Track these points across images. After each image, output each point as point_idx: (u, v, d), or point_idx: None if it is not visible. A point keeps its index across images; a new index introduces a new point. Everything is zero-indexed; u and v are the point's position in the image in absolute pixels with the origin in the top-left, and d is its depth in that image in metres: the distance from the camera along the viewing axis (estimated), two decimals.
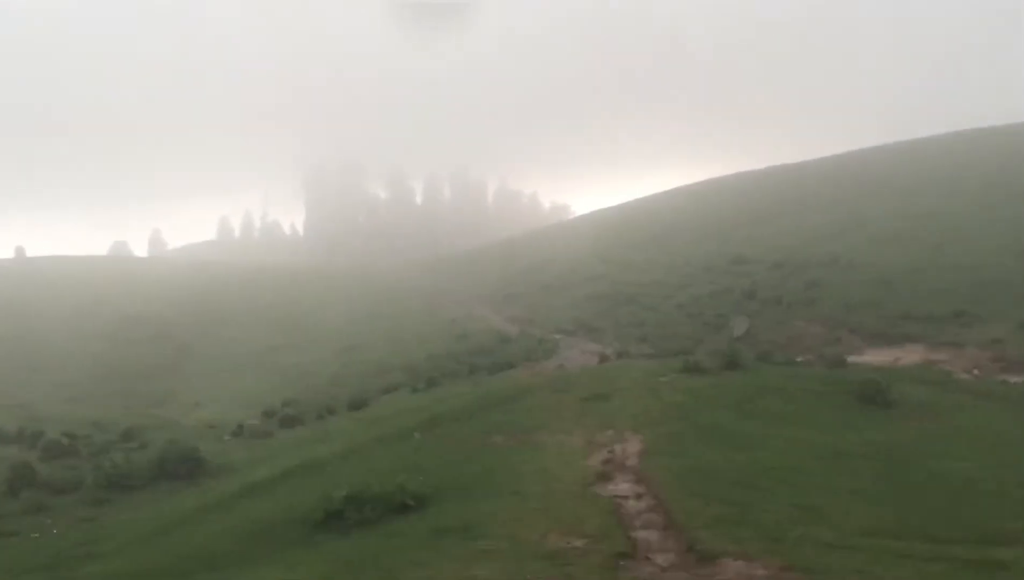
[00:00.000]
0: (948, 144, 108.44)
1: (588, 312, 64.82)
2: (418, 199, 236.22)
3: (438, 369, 50.54)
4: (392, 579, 9.61)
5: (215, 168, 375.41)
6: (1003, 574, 10.28)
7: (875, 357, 39.02)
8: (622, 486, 14.56)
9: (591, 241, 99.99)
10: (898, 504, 14.49)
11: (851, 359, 35.71)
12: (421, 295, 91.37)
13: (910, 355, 39.84)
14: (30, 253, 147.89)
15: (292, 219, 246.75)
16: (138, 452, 31.82)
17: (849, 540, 11.72)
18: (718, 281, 61.91)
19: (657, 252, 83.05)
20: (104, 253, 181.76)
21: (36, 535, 21.38)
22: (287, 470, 21.19)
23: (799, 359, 37.87)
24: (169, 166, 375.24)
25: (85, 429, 44.92)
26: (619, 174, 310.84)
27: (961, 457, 18.99)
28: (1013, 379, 34.17)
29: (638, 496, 13.76)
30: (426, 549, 11.13)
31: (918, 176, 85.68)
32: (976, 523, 13.87)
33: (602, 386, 26.87)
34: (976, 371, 36.10)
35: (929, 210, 66.51)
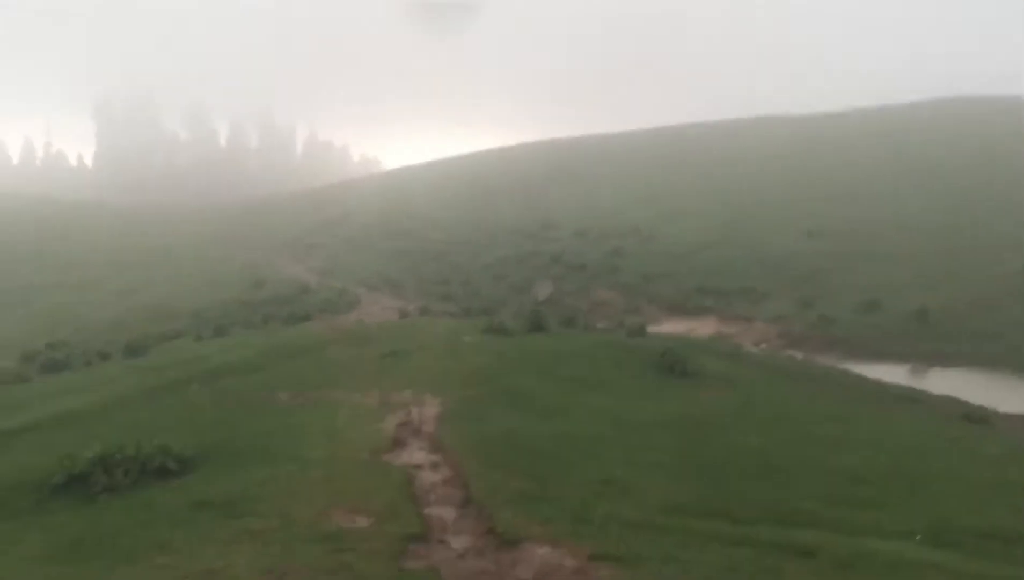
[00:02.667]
0: (756, 126, 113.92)
1: (392, 267, 63.04)
2: (222, 141, 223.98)
3: (229, 317, 47.28)
4: (123, 566, 7.75)
5: None
6: (811, 562, 9.72)
7: (672, 327, 39.85)
8: (417, 454, 13.20)
9: (399, 196, 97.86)
10: (699, 480, 13.98)
11: (650, 329, 36.11)
12: (217, 239, 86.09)
13: (704, 327, 41.03)
14: None
15: (80, 151, 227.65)
16: None
17: (654, 519, 10.93)
18: (525, 244, 61.77)
19: (466, 211, 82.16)
20: None
21: None
22: (34, 422, 18.36)
23: (600, 326, 37.98)
24: None
25: None
26: (432, 132, 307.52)
27: (756, 431, 19.01)
28: (798, 354, 35.74)
29: (434, 466, 12.45)
30: (178, 526, 9.30)
31: (719, 154, 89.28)
32: (775, 502, 13.57)
33: (402, 343, 25.44)
34: (764, 345, 37.54)
35: (724, 188, 69.27)
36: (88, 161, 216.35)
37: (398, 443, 13.80)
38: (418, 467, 12.30)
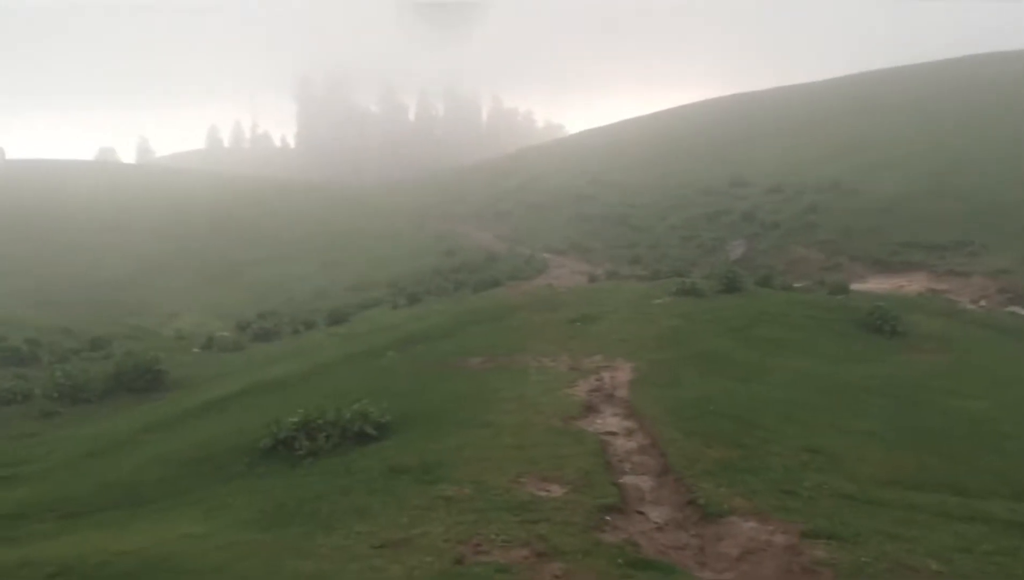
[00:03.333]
0: (953, 68, 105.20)
1: (579, 232, 62.77)
2: (411, 115, 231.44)
3: (422, 285, 48.73)
4: (322, 533, 7.82)
5: (204, 74, 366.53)
6: None
7: (877, 284, 37.37)
8: (610, 420, 12.80)
9: (583, 160, 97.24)
10: (918, 449, 12.84)
11: (853, 286, 33.99)
12: (409, 211, 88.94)
13: (913, 284, 38.20)
14: (11, 156, 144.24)
15: (283, 131, 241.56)
16: (101, 362, 30.08)
17: (870, 492, 10.06)
18: (714, 204, 59.76)
19: (651, 173, 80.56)
20: (91, 158, 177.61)
21: None
22: (244, 388, 19.43)
23: (798, 285, 36.16)
24: (157, 70, 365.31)
25: (52, 336, 43.18)
26: (615, 95, 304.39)
27: (977, 395, 17.38)
28: (1022, 311, 32.61)
29: (628, 433, 12.01)
30: (376, 493, 9.36)
31: (920, 100, 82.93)
32: (1005, 473, 12.28)
33: (591, 307, 25.08)
34: (983, 302, 34.49)
35: (931, 135, 64.17)
36: (291, 141, 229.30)
37: (590, 409, 13.46)
38: (612, 434, 11.91)
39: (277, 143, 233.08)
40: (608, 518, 8.36)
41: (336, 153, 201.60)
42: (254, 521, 8.56)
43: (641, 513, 8.77)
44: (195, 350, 34.91)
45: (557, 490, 9.24)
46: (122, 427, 18.17)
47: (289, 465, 12.39)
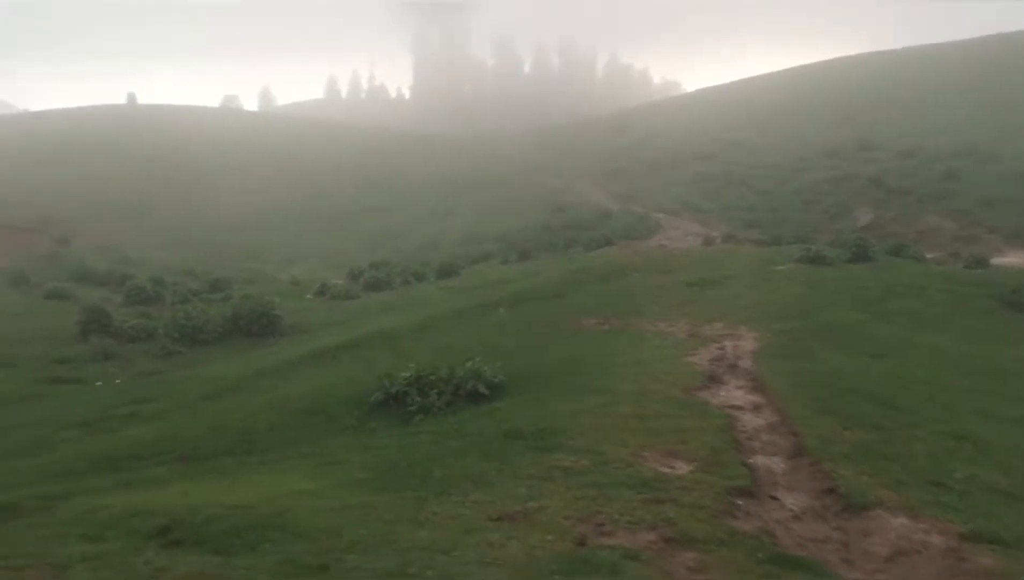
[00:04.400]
0: None
1: (694, 193, 61.09)
2: (526, 68, 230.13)
3: (532, 241, 48.29)
4: (436, 500, 7.44)
5: (325, 27, 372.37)
6: None
7: (1019, 258, 34.96)
8: (735, 394, 12.07)
9: (702, 119, 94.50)
10: None
11: (993, 261, 31.86)
12: (522, 165, 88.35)
13: None
14: (142, 101, 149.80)
15: (399, 83, 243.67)
16: (220, 305, 30.79)
17: None
18: (840, 167, 57.13)
19: (773, 134, 77.65)
20: (215, 106, 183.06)
21: (99, 383, 20.32)
22: (355, 339, 19.39)
23: (930, 256, 34.16)
24: (281, 23, 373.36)
25: (176, 276, 44.71)
26: (735, 52, 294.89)
27: None
28: None
29: (755, 408, 11.27)
30: (490, 458, 8.94)
31: None
32: None
33: (710, 271, 24.15)
34: None
35: None
36: (406, 93, 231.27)
37: (713, 379, 12.75)
38: (738, 408, 11.19)
39: (393, 94, 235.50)
40: (740, 502, 7.71)
41: (450, 106, 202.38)
42: (366, 481, 8.26)
43: (775, 499, 8.08)
44: (309, 297, 35.43)
45: (683, 467, 8.63)
46: (237, 371, 18.38)
47: (400, 421, 12.17)
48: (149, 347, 24.36)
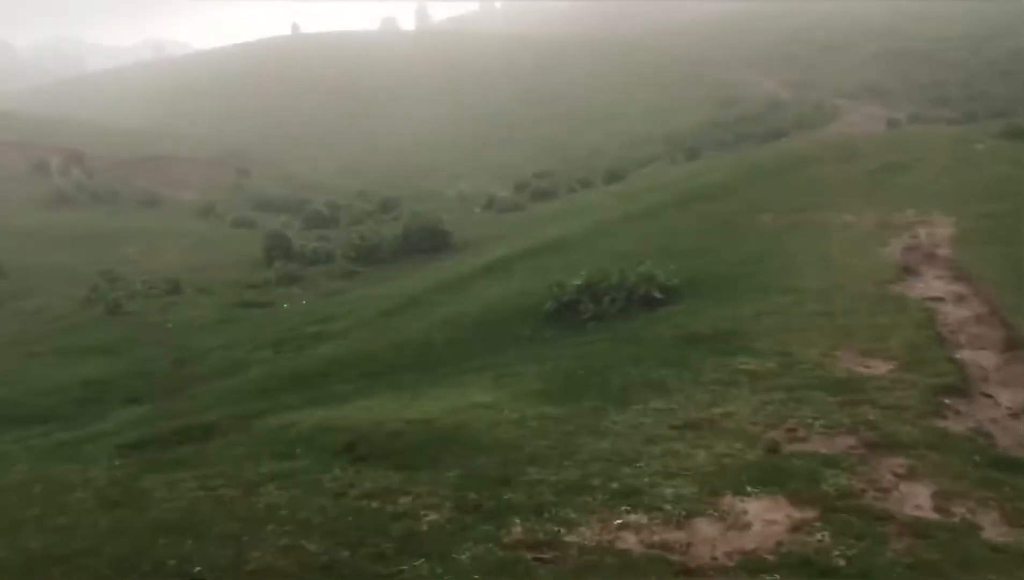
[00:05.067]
0: None
1: (876, 72, 56.83)
2: None
3: (700, 139, 46.58)
4: (615, 409, 7.21)
5: None
6: None
7: None
8: (934, 284, 11.12)
9: None
10: None
11: None
12: (683, 60, 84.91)
13: None
14: (304, 30, 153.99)
15: None
16: (391, 224, 31.58)
17: None
18: None
19: (960, 1, 70.91)
20: (375, 28, 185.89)
21: (286, 306, 21.34)
22: (525, 249, 19.29)
23: None
24: None
25: (348, 199, 46.21)
26: None
27: None
28: None
29: (958, 299, 10.33)
30: (669, 364, 8.61)
31: None
32: None
33: (898, 155, 22.39)
34: None
35: None
36: None
37: (908, 271, 11.80)
38: (938, 300, 10.29)
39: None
40: (948, 401, 7.06)
41: (606, 5, 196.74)
42: (544, 392, 8.13)
43: (988, 396, 7.36)
44: (477, 210, 35.73)
45: (880, 366, 8.00)
46: (413, 287, 18.77)
47: (574, 329, 11.99)
48: (329, 268, 25.36)
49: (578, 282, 12.86)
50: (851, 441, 6.12)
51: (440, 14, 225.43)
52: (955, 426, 6.51)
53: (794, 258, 13.47)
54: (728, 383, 7.75)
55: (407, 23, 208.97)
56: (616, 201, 27.40)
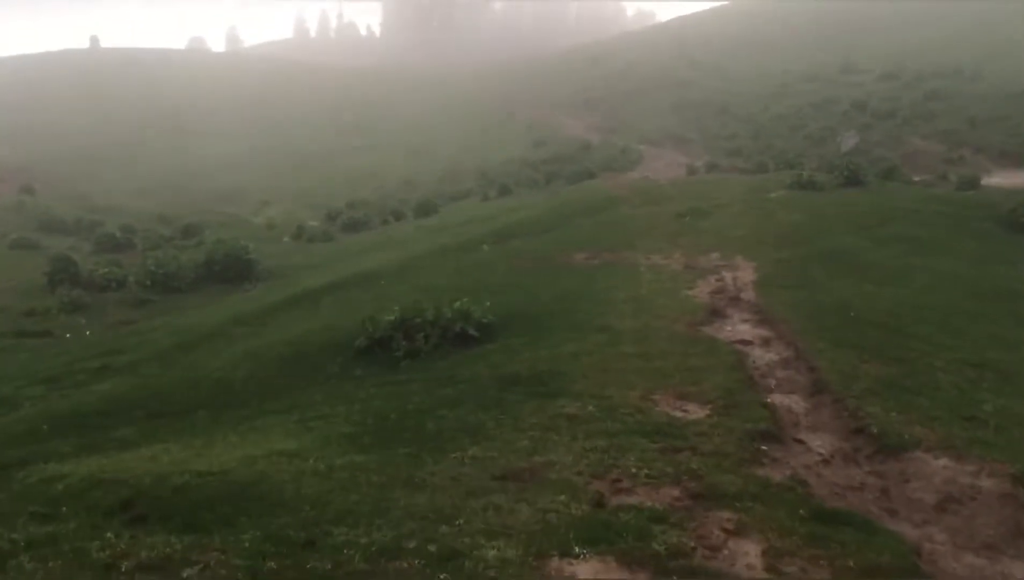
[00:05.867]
0: None
1: (676, 122, 59.93)
2: (497, 3, 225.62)
3: (512, 176, 47.22)
4: (431, 457, 6.70)
5: None
6: None
7: (1009, 179, 34.34)
8: (740, 327, 11.38)
9: (678, 46, 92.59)
10: None
11: (984, 181, 31.24)
12: (497, 99, 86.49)
13: None
14: (105, 44, 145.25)
15: (369, 20, 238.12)
16: (192, 250, 29.75)
17: None
18: (821, 91, 56.14)
19: (751, 60, 76.26)
20: (181, 47, 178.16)
21: (68, 336, 19.43)
22: (335, 281, 18.55)
23: (918, 179, 33.51)
24: None
25: (147, 223, 43.42)
26: None
27: None
28: None
29: (765, 342, 10.58)
30: (487, 407, 8.20)
31: None
32: None
33: (699, 201, 23.37)
34: None
35: None
36: (376, 30, 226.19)
37: (716, 313, 12.04)
38: (747, 343, 10.50)
39: (363, 33, 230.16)
40: (764, 447, 7.04)
41: (421, 43, 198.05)
42: (353, 436, 7.51)
43: (800, 442, 7.42)
44: (285, 239, 34.44)
45: (697, 410, 7.94)
46: (213, 318, 17.55)
47: (387, 367, 11.42)
48: (120, 296, 23.41)
49: (391, 317, 12.32)
50: (676, 492, 5.90)
51: (252, 39, 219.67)
52: (774, 474, 6.45)
53: (607, 297, 13.52)
54: (548, 428, 7.42)
55: (217, 45, 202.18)
56: (429, 234, 27.09)
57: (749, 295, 13.15)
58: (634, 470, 6.31)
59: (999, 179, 34.39)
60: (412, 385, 9.72)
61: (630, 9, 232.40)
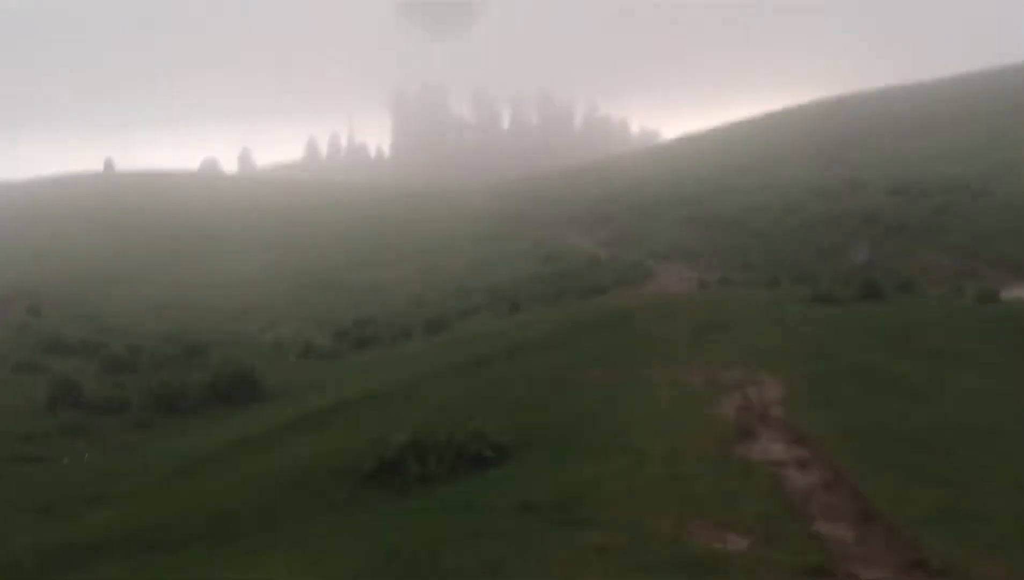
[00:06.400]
0: None
1: (685, 236, 60.14)
2: (504, 123, 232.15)
3: (523, 292, 47.00)
4: None
5: (302, 87, 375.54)
6: None
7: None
8: (773, 447, 10.69)
9: (686, 163, 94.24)
10: None
11: (1003, 294, 30.77)
12: (506, 217, 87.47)
13: None
14: (120, 167, 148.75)
15: (378, 141, 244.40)
16: (198, 370, 29.23)
17: None
18: (832, 206, 56.43)
19: (760, 176, 77.20)
20: (194, 169, 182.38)
21: (66, 461, 18.74)
22: (344, 401, 17.98)
23: (934, 293, 33.09)
24: (256, 83, 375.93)
25: (154, 343, 43.02)
26: (712, 99, 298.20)
27: None
28: None
29: (801, 464, 9.89)
30: (507, 537, 7.53)
31: None
32: None
33: (717, 314, 22.89)
34: None
35: None
36: (386, 151, 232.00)
37: (746, 433, 11.36)
38: (781, 465, 9.81)
39: (372, 154, 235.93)
40: None
41: (430, 162, 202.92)
42: (363, 574, 6.83)
43: (854, 576, 6.70)
44: (292, 358, 33.93)
45: (739, 541, 7.25)
46: (216, 441, 16.93)
47: (397, 492, 10.73)
48: (122, 419, 22.79)
49: (402, 439, 11.69)
50: None
51: (263, 160, 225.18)
52: None
53: (628, 415, 12.89)
54: (576, 562, 6.75)
55: (230, 166, 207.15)
56: (440, 351, 26.60)
57: (778, 413, 12.49)
58: None
59: (1018, 292, 33.96)
60: (426, 513, 9.04)
61: (635, 127, 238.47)
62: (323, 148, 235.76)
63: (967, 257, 41.92)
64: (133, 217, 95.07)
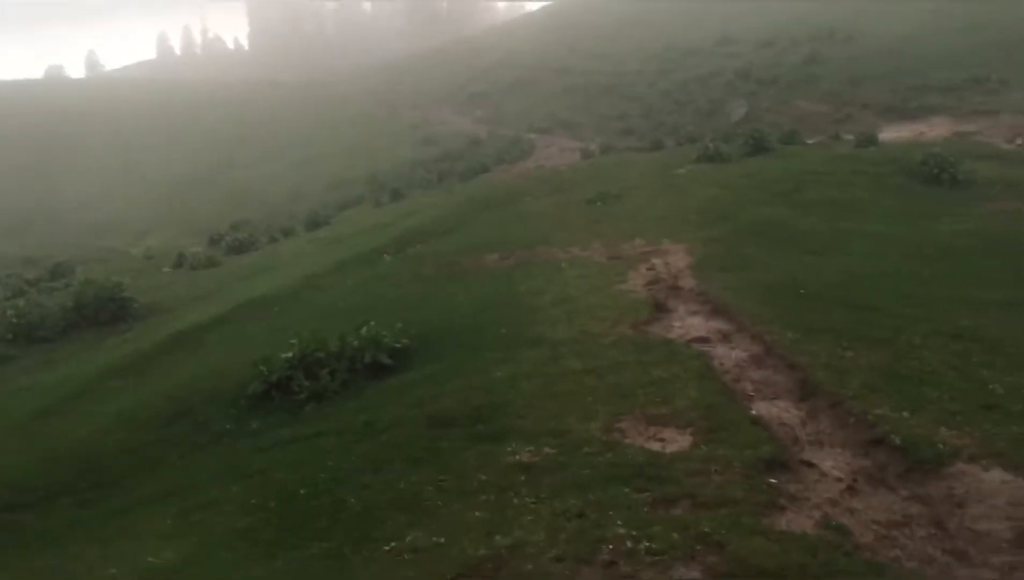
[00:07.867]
0: None
1: (562, 107, 58.81)
2: (367, 5, 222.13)
3: (403, 179, 45.23)
4: (356, 552, 5.04)
5: None
6: None
7: (896, 133, 34.33)
8: (692, 321, 9.97)
9: (557, 33, 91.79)
10: None
11: (881, 136, 31.00)
12: (378, 101, 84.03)
13: (935, 129, 35.21)
14: None
15: (235, 33, 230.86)
16: (61, 293, 26.91)
17: None
18: (704, 65, 55.80)
19: (631, 40, 75.88)
20: (39, 77, 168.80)
21: None
22: (222, 314, 16.45)
23: (811, 141, 33.16)
24: None
25: (12, 267, 39.79)
26: None
27: None
28: None
29: (724, 337, 9.20)
30: (419, 464, 6.55)
31: None
32: None
33: (606, 184, 22.00)
34: (1019, 140, 31.65)
35: None
36: (244, 43, 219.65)
37: (659, 308, 10.59)
38: (704, 341, 9.09)
39: (230, 46, 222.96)
40: (773, 481, 5.62)
41: (292, 51, 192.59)
42: (251, 531, 5.76)
43: (810, 465, 6.02)
44: (165, 270, 31.72)
45: (677, 438, 6.48)
46: (82, 372, 15.26)
47: (288, 415, 9.62)
48: None
49: (289, 354, 10.50)
50: (696, 574, 4.40)
51: (113, 63, 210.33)
52: (803, 521, 5.03)
53: (532, 302, 11.97)
54: (503, 488, 5.84)
55: (76, 71, 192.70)
56: (322, 249, 25.09)
57: (688, 282, 11.78)
58: (629, 543, 4.79)
59: (893, 133, 34.39)
60: (321, 440, 7.96)
61: (501, 3, 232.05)
62: (176, 45, 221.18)
63: (840, 104, 42.17)
64: None
